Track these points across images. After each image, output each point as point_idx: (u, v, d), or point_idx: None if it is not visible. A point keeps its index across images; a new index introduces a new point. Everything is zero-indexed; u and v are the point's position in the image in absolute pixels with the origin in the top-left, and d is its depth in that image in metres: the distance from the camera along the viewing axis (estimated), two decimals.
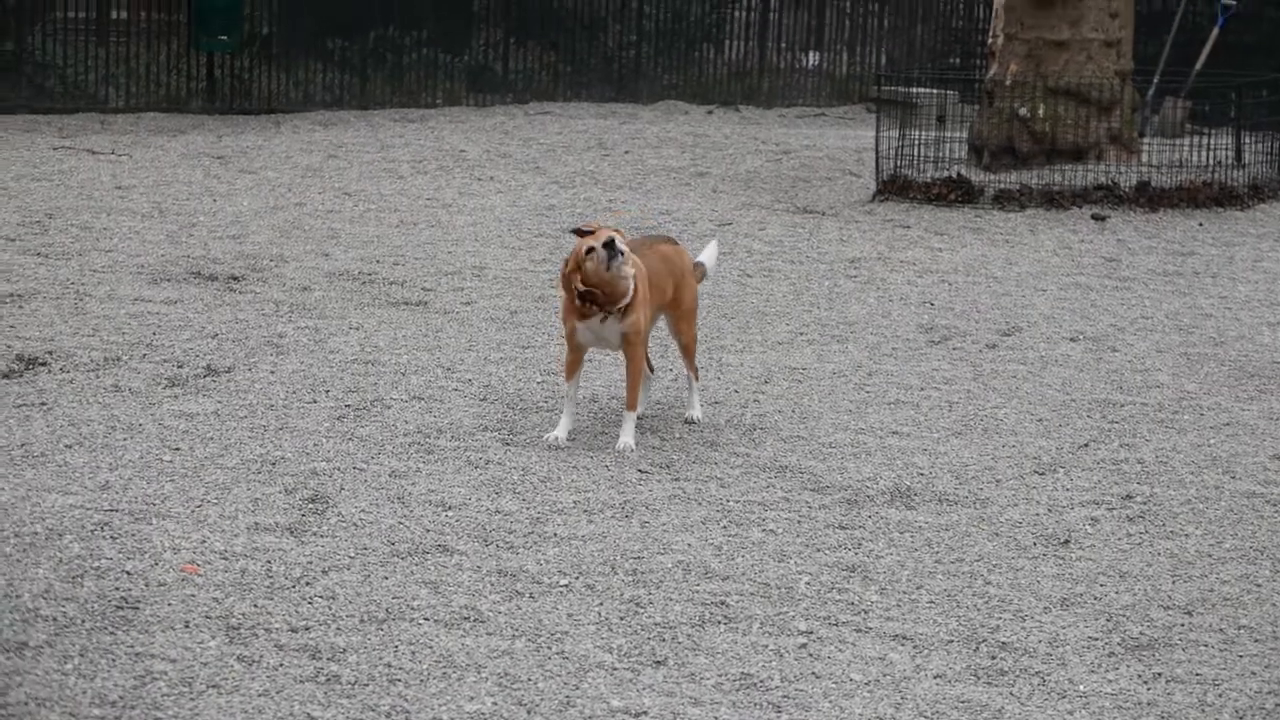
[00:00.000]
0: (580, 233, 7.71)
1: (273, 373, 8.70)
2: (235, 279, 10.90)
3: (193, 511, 6.56)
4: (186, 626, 5.45)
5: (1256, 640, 5.83)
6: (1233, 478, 7.65)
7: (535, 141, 18.32)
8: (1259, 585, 6.35)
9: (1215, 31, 19.71)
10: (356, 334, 9.63)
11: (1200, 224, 14.29)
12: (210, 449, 7.38)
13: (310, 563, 6.08)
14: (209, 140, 17.47)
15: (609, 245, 7.47)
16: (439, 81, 21.17)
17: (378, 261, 11.66)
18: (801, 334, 10.15)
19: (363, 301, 10.47)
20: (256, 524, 6.45)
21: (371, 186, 14.92)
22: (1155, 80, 18.18)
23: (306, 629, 5.50)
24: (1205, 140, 15.44)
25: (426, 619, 5.64)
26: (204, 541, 6.22)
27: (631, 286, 7.59)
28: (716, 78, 22.97)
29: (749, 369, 9.27)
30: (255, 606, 5.65)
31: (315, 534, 6.39)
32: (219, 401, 8.13)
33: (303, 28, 20.41)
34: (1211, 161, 15.24)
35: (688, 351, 8.22)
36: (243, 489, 6.86)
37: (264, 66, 20.24)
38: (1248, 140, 15.71)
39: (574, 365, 7.79)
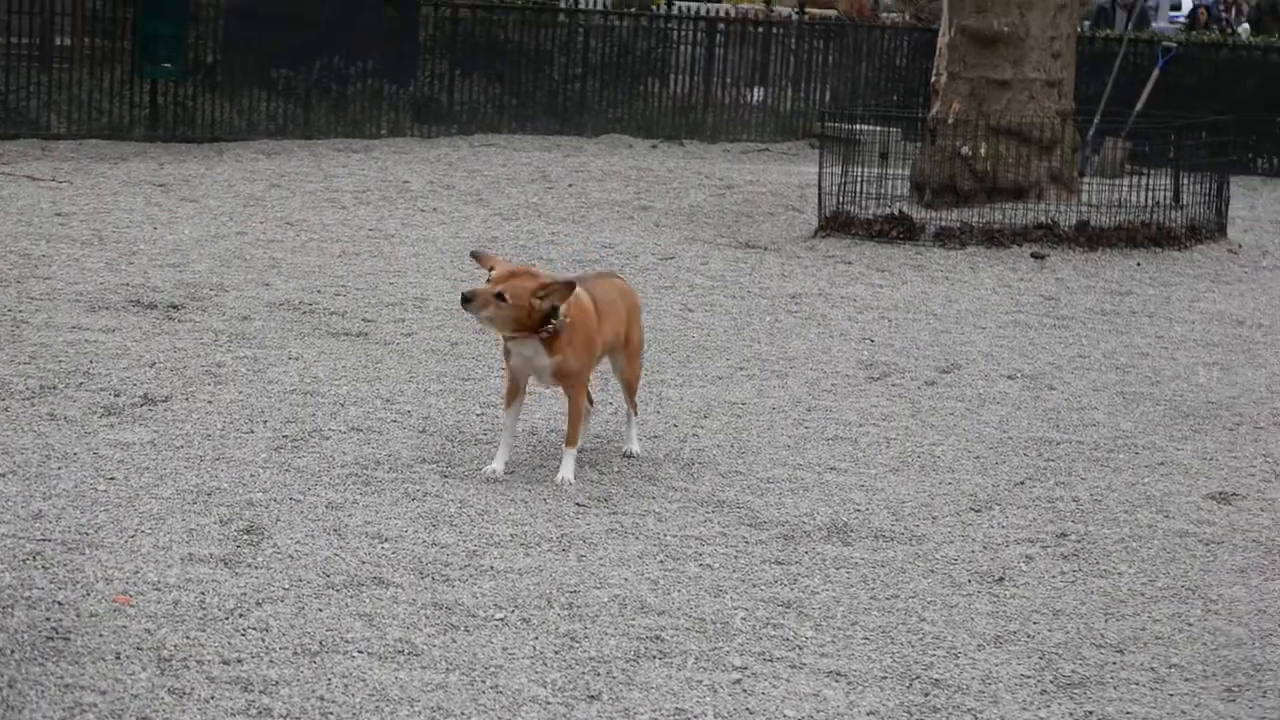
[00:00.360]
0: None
1: (210, 402, 8.67)
2: (174, 307, 10.85)
3: (126, 542, 6.52)
4: (118, 658, 5.41)
5: (1187, 679, 5.86)
6: (1166, 517, 7.71)
7: (479, 173, 18.32)
8: (1190, 624, 6.39)
9: (1156, 73, 19.92)
10: (296, 364, 9.60)
11: (1138, 264, 14.41)
12: (145, 479, 7.34)
13: (244, 594, 6.05)
14: (151, 168, 17.40)
15: (463, 298, 7.44)
16: (383, 112, 21.15)
17: (319, 291, 11.63)
18: (741, 369, 10.17)
19: (303, 331, 10.45)
20: (190, 555, 6.42)
21: (314, 216, 14.89)
22: (1096, 121, 18.34)
23: (239, 661, 5.47)
24: (1144, 181, 15.57)
25: (360, 652, 5.62)
26: (137, 572, 6.19)
27: (546, 318, 7.52)
28: (661, 112, 23.04)
29: (688, 403, 9.29)
30: (187, 638, 5.61)
31: (250, 565, 6.36)
32: (155, 431, 8.09)
33: (247, 56, 20.36)
34: (1150, 202, 15.37)
35: (631, 388, 8.23)
36: (177, 519, 6.83)
37: (208, 95, 20.18)
38: (1186, 181, 15.85)
39: (512, 394, 7.78)
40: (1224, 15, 33.44)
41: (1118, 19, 24.28)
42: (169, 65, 19.67)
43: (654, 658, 5.74)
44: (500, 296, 7.43)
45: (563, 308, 7.53)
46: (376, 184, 17.10)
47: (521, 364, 7.67)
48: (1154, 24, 31.50)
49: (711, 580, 6.54)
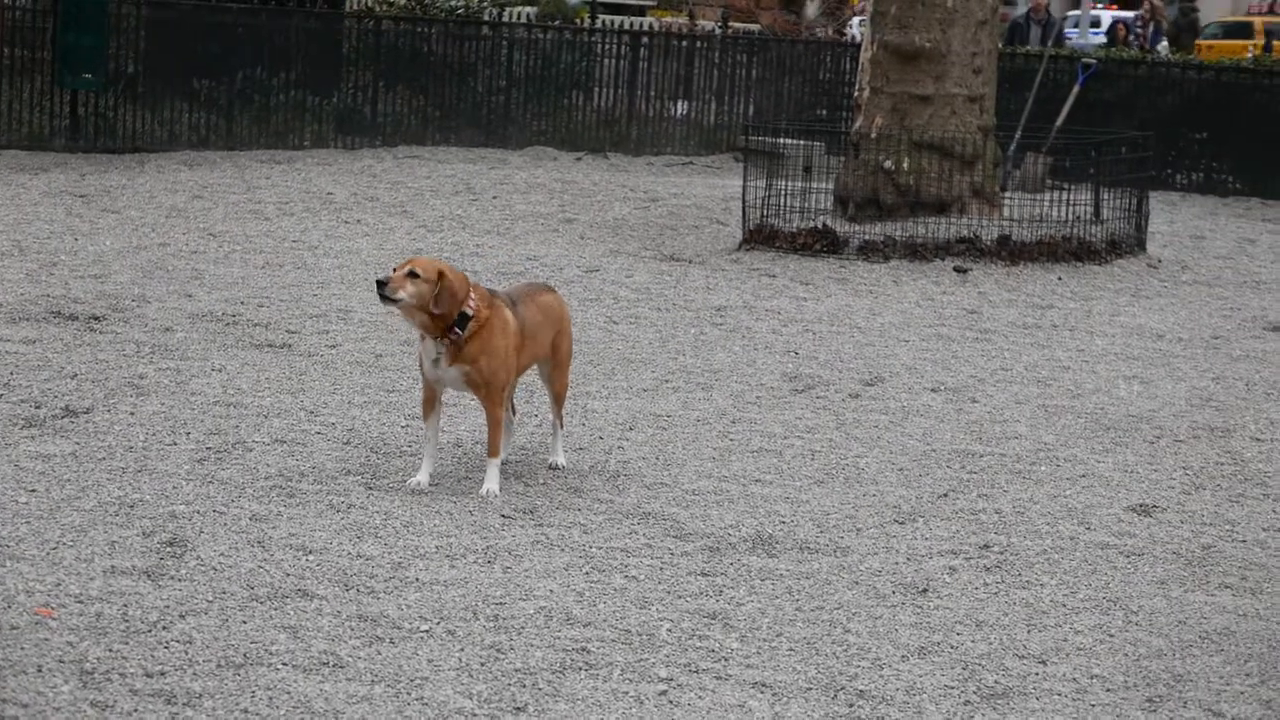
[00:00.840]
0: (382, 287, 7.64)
1: (132, 414, 8.61)
2: (96, 319, 10.77)
3: (48, 554, 6.46)
4: (39, 671, 5.36)
5: (1109, 690, 5.92)
6: (1087, 528, 7.77)
7: (403, 185, 18.28)
8: (1111, 635, 6.45)
9: (1076, 89, 20.10)
10: (219, 376, 9.54)
11: (1059, 278, 14.52)
12: (67, 491, 7.28)
13: (167, 607, 6.01)
14: (71, 179, 17.26)
15: (378, 284, 7.46)
16: (307, 123, 21.06)
17: (242, 303, 11.57)
18: (666, 381, 10.19)
19: (226, 343, 10.39)
20: (113, 567, 6.37)
21: (237, 227, 14.81)
22: (1017, 136, 18.48)
23: (162, 674, 5.44)
24: (1065, 196, 15.70)
25: (285, 664, 5.59)
26: (59, 584, 6.13)
27: (454, 311, 7.51)
28: (585, 125, 23.05)
29: (614, 415, 9.29)
30: (110, 651, 5.57)
31: (173, 578, 6.32)
32: (77, 443, 8.02)
33: (169, 67, 20.23)
34: (1071, 217, 15.50)
35: (559, 400, 8.23)
36: (99, 531, 6.77)
37: (129, 105, 20.03)
38: (1106, 196, 15.99)
39: (429, 404, 7.77)
40: (1140, 31, 33.83)
41: (1032, 34, 24.46)
42: (89, 76, 19.50)
43: (580, 669, 5.74)
44: (412, 274, 7.46)
45: (473, 312, 7.55)
46: (300, 195, 17.02)
47: (433, 370, 7.67)
48: (1075, 41, 31.79)
49: (637, 592, 6.55)
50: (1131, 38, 33.36)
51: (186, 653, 5.62)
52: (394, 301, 7.49)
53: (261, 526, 6.98)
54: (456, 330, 7.54)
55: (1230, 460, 9.12)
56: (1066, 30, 29.79)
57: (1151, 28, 34.48)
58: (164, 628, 5.81)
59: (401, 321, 11.12)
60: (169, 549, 6.63)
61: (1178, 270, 15.57)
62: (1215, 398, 10.59)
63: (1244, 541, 7.70)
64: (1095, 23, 37.68)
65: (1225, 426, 9.84)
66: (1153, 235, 16.76)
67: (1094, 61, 21.57)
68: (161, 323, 10.80)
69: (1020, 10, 26.65)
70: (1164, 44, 34.42)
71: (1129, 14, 40.94)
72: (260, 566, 6.51)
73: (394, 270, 7.55)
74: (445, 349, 7.58)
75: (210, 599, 6.12)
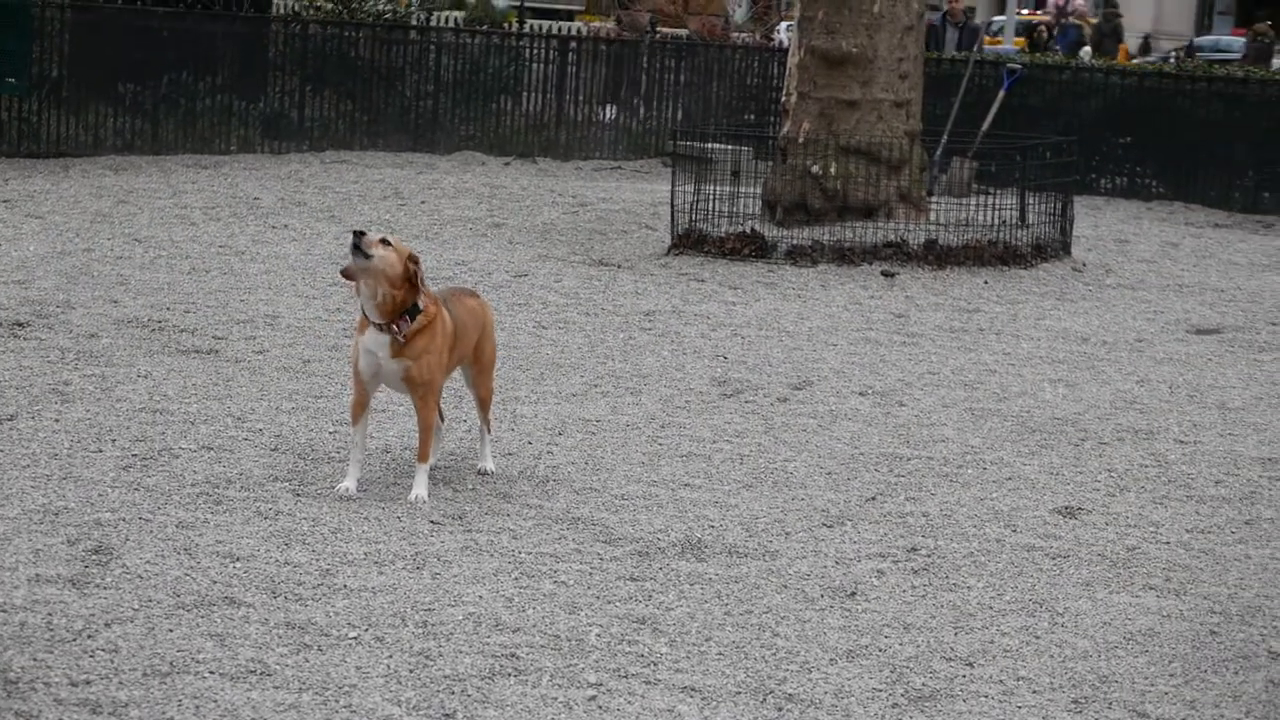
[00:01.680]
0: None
1: (57, 421, 8.54)
2: (20, 325, 10.67)
3: None
4: None
5: (1035, 691, 5.96)
6: (1014, 531, 7.83)
7: (331, 190, 18.21)
8: (1038, 637, 6.49)
9: (1001, 94, 20.22)
10: (145, 382, 9.48)
11: (986, 282, 14.61)
12: None
13: (93, 615, 5.97)
14: None
15: (355, 234, 7.43)
16: (233, 128, 20.95)
17: (168, 309, 11.50)
18: (595, 386, 10.19)
19: (152, 349, 10.32)
20: (37, 575, 6.32)
21: (163, 233, 14.72)
22: (943, 140, 18.58)
23: (87, 683, 5.40)
24: (991, 200, 15.79)
25: (212, 672, 5.56)
26: None
27: (406, 296, 7.51)
28: (514, 129, 23.03)
29: (543, 420, 9.29)
30: (34, 660, 5.53)
31: (98, 586, 6.27)
32: (0, 450, 7.95)
33: (94, 71, 20.08)
34: (997, 221, 15.59)
35: (484, 405, 8.22)
36: (23, 540, 6.72)
37: (53, 110, 19.86)
38: (1032, 201, 16.10)
39: (359, 406, 7.73)
40: (1047, 34, 34.39)
41: (948, 37, 24.59)
42: (13, 80, 19.34)
43: (509, 675, 5.74)
44: (385, 241, 7.46)
45: (423, 305, 7.54)
46: (227, 200, 16.93)
47: (370, 366, 7.62)
48: (1000, 45, 32.01)
49: (566, 597, 6.55)
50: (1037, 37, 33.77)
51: (112, 661, 5.58)
52: (366, 257, 7.42)
53: (188, 534, 6.94)
54: (406, 319, 7.51)
55: (1154, 462, 9.20)
56: (979, 23, 30.03)
57: (1047, 34, 34.90)
58: (89, 636, 5.77)
59: (344, 326, 11.08)
60: (94, 557, 6.58)
61: (1102, 274, 15.69)
62: (1139, 400, 10.68)
63: (1168, 543, 7.78)
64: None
65: (1149, 429, 9.93)
66: (1077, 239, 16.88)
67: (1019, 67, 21.72)
68: (86, 329, 10.72)
69: (936, 14, 26.84)
70: (1087, 49, 34.72)
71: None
72: (187, 574, 6.47)
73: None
74: (389, 341, 7.54)
75: (136, 607, 6.08)
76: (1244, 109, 21.61)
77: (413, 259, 7.54)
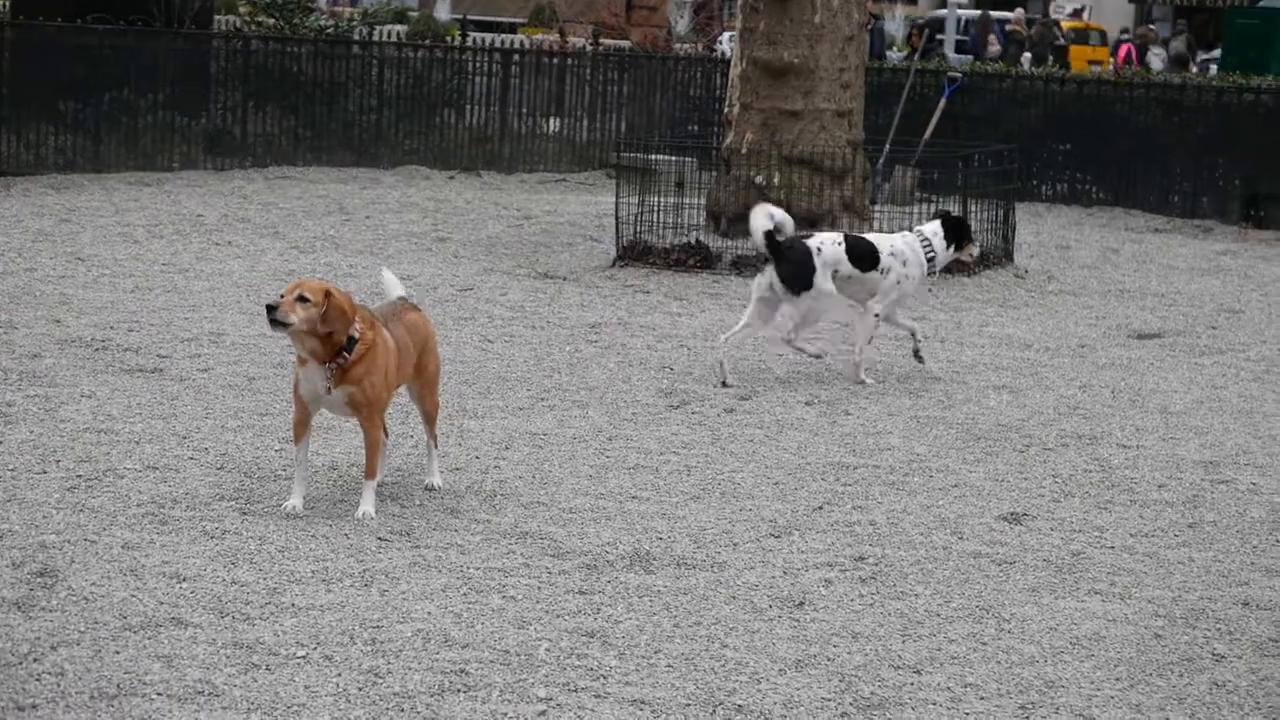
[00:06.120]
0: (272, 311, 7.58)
1: (0, 443, 8.49)
2: None
3: None
4: None
5: (982, 698, 6.00)
6: (960, 538, 7.87)
7: (274, 206, 18.16)
8: (985, 643, 6.53)
9: (942, 102, 20.33)
10: (89, 402, 9.44)
11: (929, 290, 14.67)
12: None
13: (38, 638, 5.94)
14: None
15: (268, 309, 7.42)
16: (175, 145, 20.86)
17: (111, 328, 11.45)
18: (542, 399, 10.20)
19: (95, 369, 10.27)
20: None
21: (105, 251, 14.65)
22: (886, 149, 18.66)
23: (34, 707, 5.37)
24: (934, 208, 15.85)
25: (160, 694, 5.54)
26: None
27: (342, 339, 7.50)
28: (458, 143, 23.01)
29: (489, 434, 9.29)
30: None
31: (44, 609, 6.24)
32: None
33: (34, 89, 19.96)
34: None
35: (430, 419, 8.22)
36: None
37: None
38: (974, 208, 16.18)
39: (301, 425, 7.72)
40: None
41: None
42: None
43: (459, 691, 5.74)
44: (301, 298, 7.42)
45: (358, 335, 7.53)
46: (170, 218, 16.86)
47: (311, 393, 7.63)
48: (940, 52, 32.14)
49: (515, 612, 6.55)
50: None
51: (59, 684, 5.56)
52: (285, 326, 7.43)
53: (134, 555, 6.92)
54: (345, 354, 7.52)
55: (1098, 467, 9.26)
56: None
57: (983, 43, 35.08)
58: (35, 659, 5.75)
59: (288, 345, 11.04)
60: (39, 579, 6.55)
61: (1044, 280, 15.79)
62: (1082, 406, 10.75)
63: (1112, 548, 7.83)
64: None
65: (1092, 434, 10.00)
66: (1020, 246, 16.99)
67: (960, 75, 21.84)
68: (29, 349, 10.66)
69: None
70: (1027, 56, 34.92)
71: (1008, 15, 41.43)
72: (133, 595, 6.44)
73: (281, 296, 7.49)
74: (332, 373, 7.54)
75: (82, 629, 6.06)
76: (1181, 115, 21.79)
77: (328, 294, 7.44)
